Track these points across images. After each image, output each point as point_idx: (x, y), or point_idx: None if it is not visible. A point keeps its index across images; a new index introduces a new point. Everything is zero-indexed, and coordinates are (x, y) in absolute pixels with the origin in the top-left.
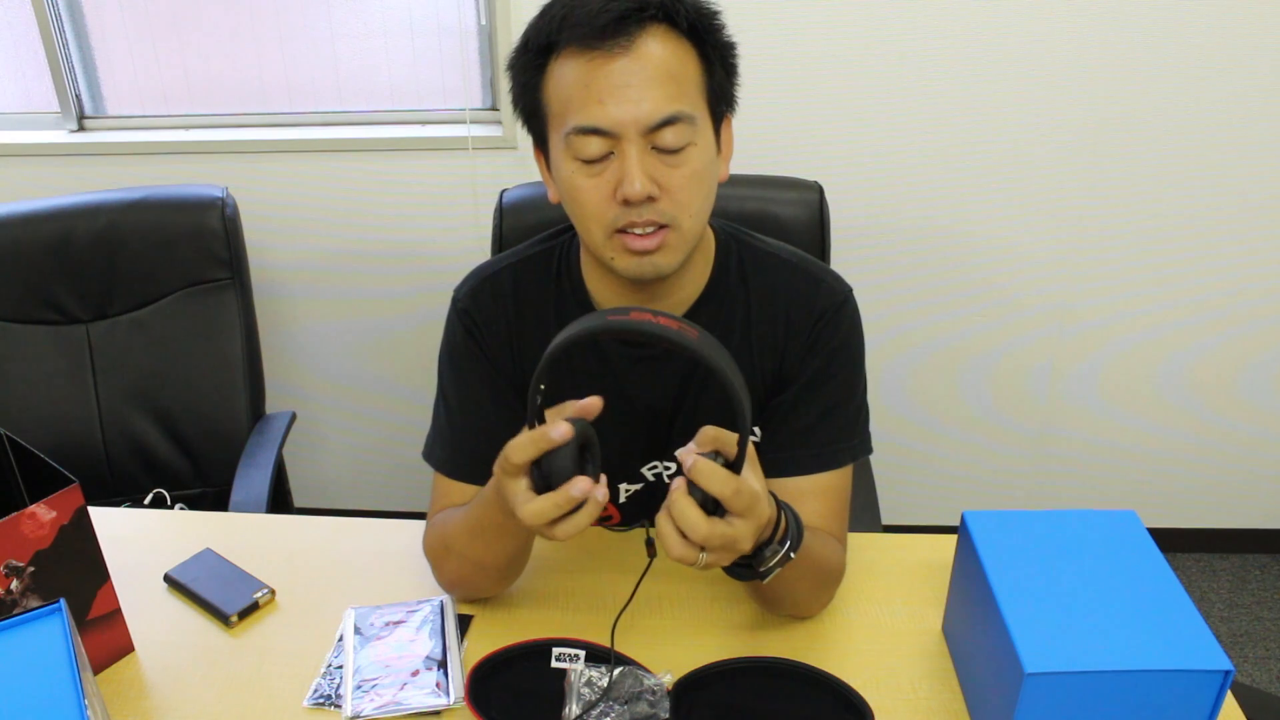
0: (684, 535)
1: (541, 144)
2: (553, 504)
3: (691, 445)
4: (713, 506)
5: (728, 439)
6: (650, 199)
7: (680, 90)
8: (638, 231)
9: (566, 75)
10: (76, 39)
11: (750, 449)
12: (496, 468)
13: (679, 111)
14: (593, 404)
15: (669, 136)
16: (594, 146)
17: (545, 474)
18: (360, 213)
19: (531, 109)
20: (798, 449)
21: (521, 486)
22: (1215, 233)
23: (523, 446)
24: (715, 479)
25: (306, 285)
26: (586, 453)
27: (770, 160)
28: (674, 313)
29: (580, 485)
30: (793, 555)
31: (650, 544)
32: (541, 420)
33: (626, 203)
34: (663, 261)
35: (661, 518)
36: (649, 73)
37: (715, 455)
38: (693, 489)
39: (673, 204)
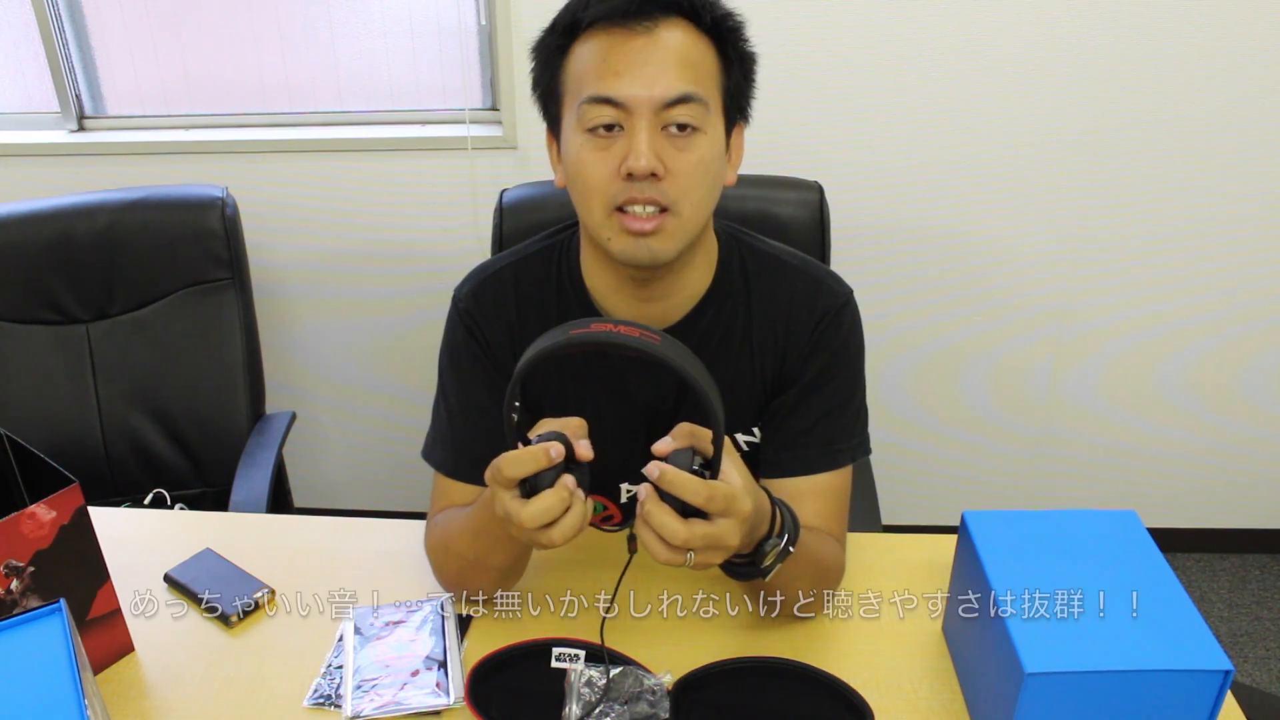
0: (666, 541)
1: (554, 125)
2: (557, 499)
3: (669, 439)
4: (693, 507)
5: (704, 435)
6: (654, 176)
7: (697, 75)
8: (637, 211)
9: (587, 53)
10: (76, 39)
11: (728, 444)
12: (488, 476)
13: (693, 92)
14: (587, 453)
15: (680, 114)
16: (605, 115)
17: (532, 483)
18: (360, 213)
19: (550, 90)
20: (797, 449)
21: (515, 496)
22: (1215, 233)
23: (520, 462)
24: (687, 489)
25: (306, 285)
26: (572, 467)
27: (770, 160)
28: (678, 314)
29: (572, 480)
30: (791, 549)
31: (632, 539)
32: (523, 437)
33: (630, 177)
34: (659, 247)
35: (640, 526)
36: (667, 54)
37: (692, 452)
38: (665, 495)
39: (675, 187)
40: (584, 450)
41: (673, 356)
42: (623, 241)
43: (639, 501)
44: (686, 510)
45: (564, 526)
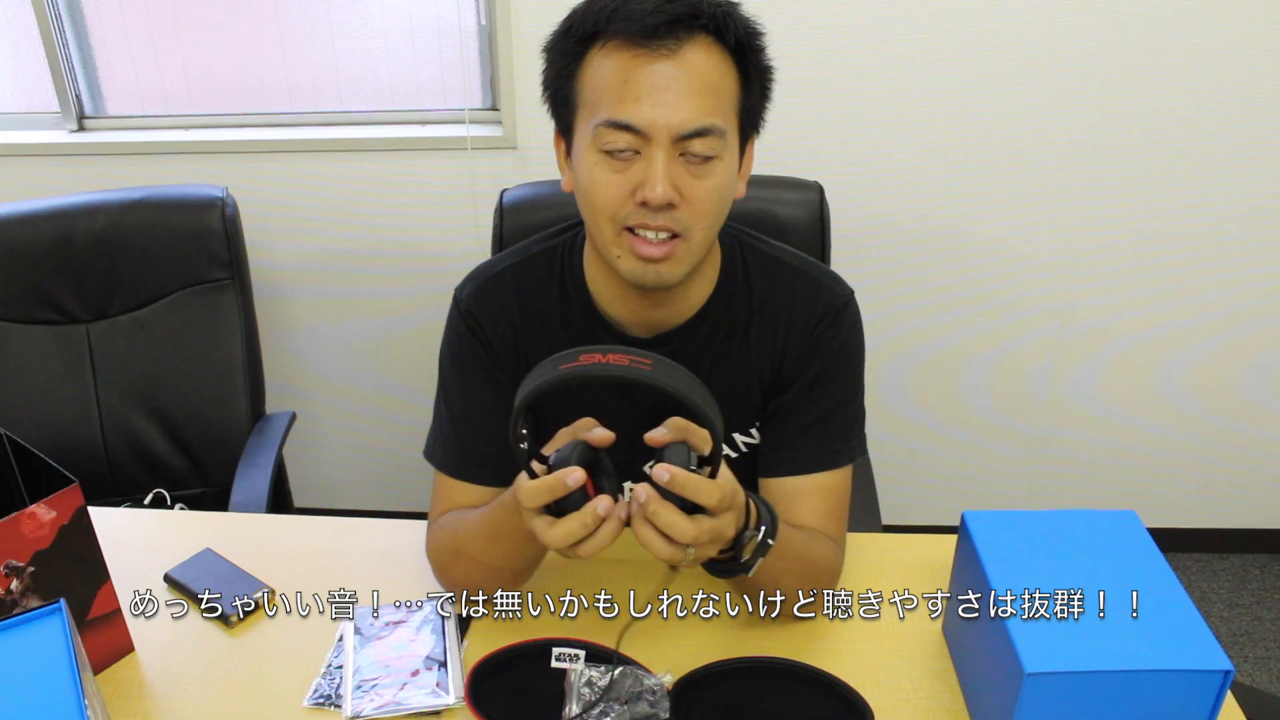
0: (667, 537)
1: (565, 132)
2: (580, 524)
3: (662, 430)
4: (690, 504)
5: (697, 430)
6: (670, 205)
7: (717, 103)
8: (649, 236)
9: (606, 67)
10: (76, 39)
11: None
12: (509, 497)
13: (712, 124)
14: (604, 438)
15: (698, 146)
16: (622, 141)
17: (560, 502)
18: (360, 213)
19: (562, 95)
20: (796, 449)
21: (540, 514)
22: (1215, 233)
23: (537, 493)
24: (700, 491)
25: (306, 285)
26: (597, 470)
27: (770, 160)
28: (681, 319)
29: (604, 504)
30: (770, 542)
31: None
32: (540, 458)
33: (644, 204)
34: (667, 272)
35: (641, 526)
36: (689, 80)
37: (687, 449)
38: (666, 493)
39: (690, 214)
40: (600, 437)
41: (665, 381)
42: (631, 263)
43: (639, 503)
44: (685, 507)
45: (592, 545)
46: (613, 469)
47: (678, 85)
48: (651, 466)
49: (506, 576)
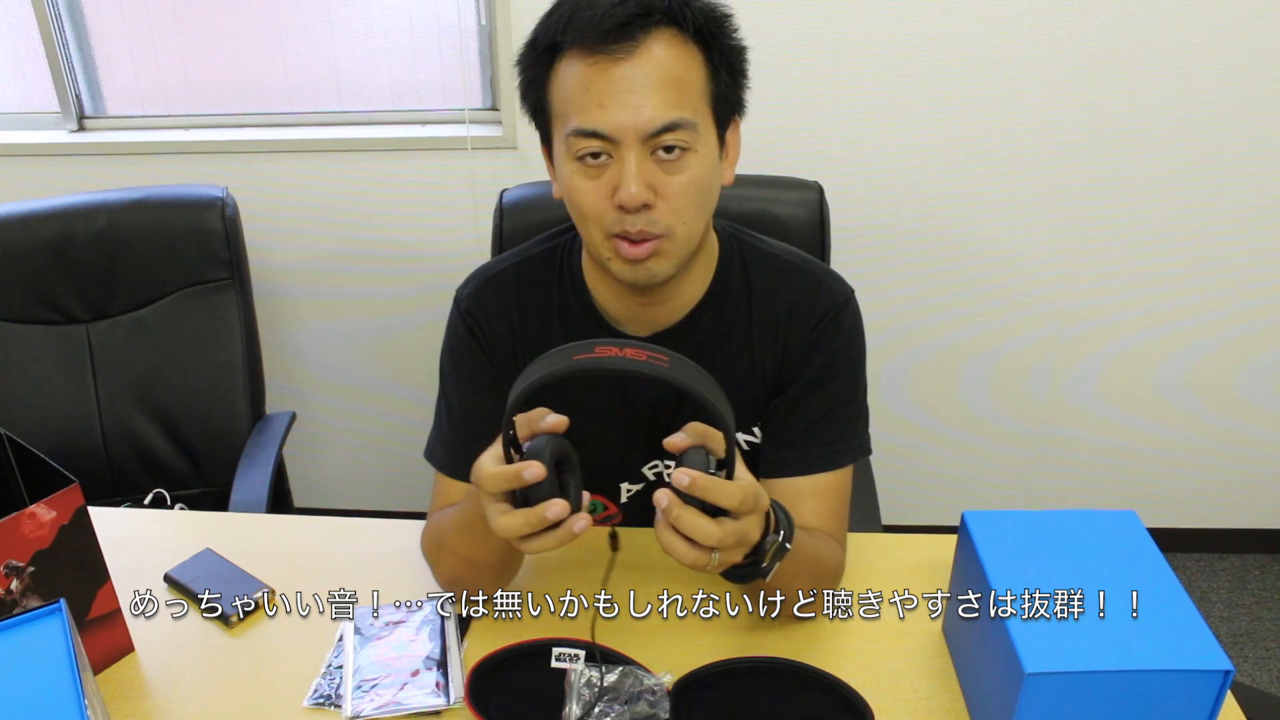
0: (692, 542)
1: (545, 141)
2: (524, 521)
3: (682, 435)
4: (713, 507)
5: (715, 435)
6: (646, 206)
7: (682, 96)
8: (633, 237)
9: (569, 77)
10: (76, 39)
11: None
12: (473, 478)
13: (679, 118)
14: (558, 423)
15: (668, 140)
16: (592, 146)
17: (524, 493)
18: (360, 213)
19: (537, 106)
20: (798, 449)
21: (495, 500)
22: (1215, 233)
23: (495, 480)
24: (722, 493)
25: (306, 285)
26: (565, 466)
27: (770, 160)
28: (678, 315)
29: (555, 509)
30: (788, 546)
31: (613, 538)
32: (518, 448)
33: (622, 208)
34: (657, 268)
35: (664, 532)
36: (650, 78)
37: (705, 453)
38: (688, 497)
39: (669, 212)
40: (554, 424)
41: (682, 378)
42: (621, 266)
43: (662, 508)
44: (707, 511)
45: (538, 543)
46: (579, 468)
47: (639, 85)
48: (668, 470)
49: (485, 571)
